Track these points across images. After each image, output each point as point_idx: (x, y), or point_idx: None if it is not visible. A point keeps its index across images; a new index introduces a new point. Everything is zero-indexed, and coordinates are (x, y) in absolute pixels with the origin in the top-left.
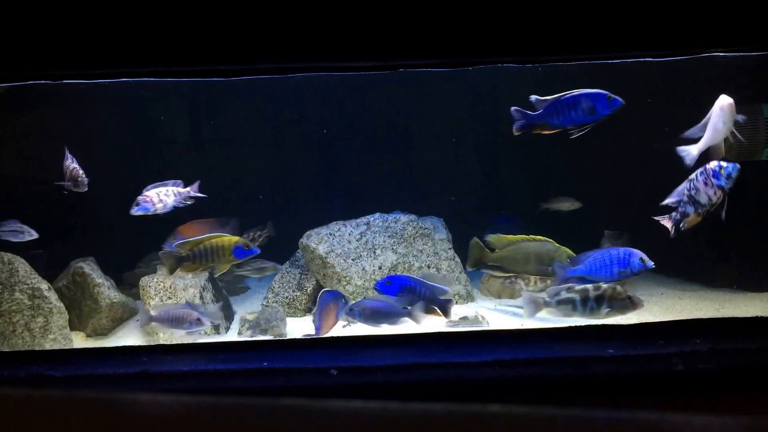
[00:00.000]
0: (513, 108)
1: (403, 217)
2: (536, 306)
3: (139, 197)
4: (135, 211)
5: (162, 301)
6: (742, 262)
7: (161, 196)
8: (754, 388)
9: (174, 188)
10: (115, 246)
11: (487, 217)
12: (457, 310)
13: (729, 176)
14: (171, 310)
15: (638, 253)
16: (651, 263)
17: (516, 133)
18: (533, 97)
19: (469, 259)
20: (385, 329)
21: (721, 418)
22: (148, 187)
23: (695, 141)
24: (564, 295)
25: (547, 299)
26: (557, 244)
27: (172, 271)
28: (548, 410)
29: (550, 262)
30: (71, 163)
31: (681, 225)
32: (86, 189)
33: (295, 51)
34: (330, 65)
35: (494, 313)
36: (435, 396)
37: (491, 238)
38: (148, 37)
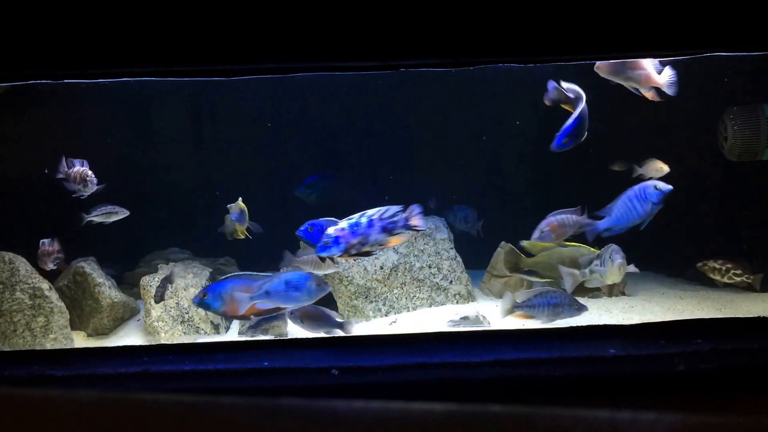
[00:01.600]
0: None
1: None
2: (575, 279)
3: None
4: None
5: (163, 300)
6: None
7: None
8: (756, 388)
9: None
10: (115, 246)
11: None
12: (459, 310)
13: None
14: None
15: (649, 184)
16: (667, 186)
17: (546, 102)
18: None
19: (505, 263)
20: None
21: (723, 418)
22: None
23: None
24: (531, 302)
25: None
26: (592, 249)
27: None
28: (549, 410)
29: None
30: (79, 167)
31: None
32: (96, 188)
33: (295, 51)
34: (330, 65)
35: (495, 312)
36: (436, 396)
37: (526, 244)
38: (149, 36)
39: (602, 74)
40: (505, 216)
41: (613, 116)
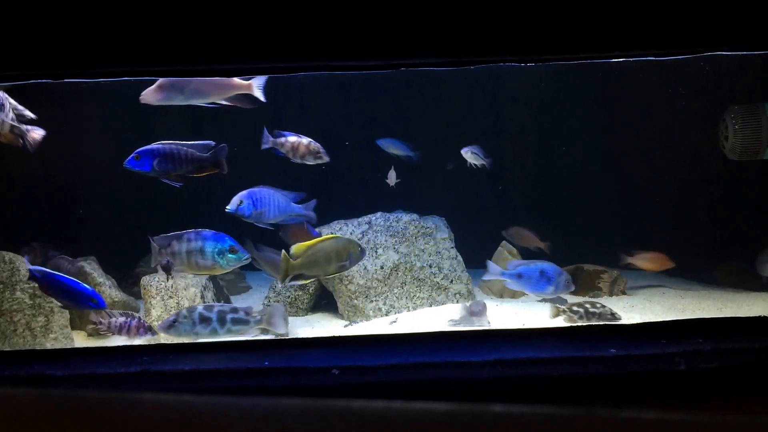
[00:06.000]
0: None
1: (405, 216)
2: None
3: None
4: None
5: (163, 300)
6: (745, 262)
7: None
8: (757, 387)
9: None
10: (115, 246)
11: None
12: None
13: None
14: None
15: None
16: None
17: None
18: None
19: (280, 272)
20: None
21: (724, 418)
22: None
23: None
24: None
25: None
26: (350, 238)
27: None
28: (550, 410)
29: (348, 256)
30: (295, 137)
31: None
32: (327, 158)
33: (295, 50)
34: (331, 64)
35: (497, 311)
36: (437, 395)
37: (294, 247)
38: (149, 35)
39: (153, 102)
40: (504, 216)
41: (614, 116)
